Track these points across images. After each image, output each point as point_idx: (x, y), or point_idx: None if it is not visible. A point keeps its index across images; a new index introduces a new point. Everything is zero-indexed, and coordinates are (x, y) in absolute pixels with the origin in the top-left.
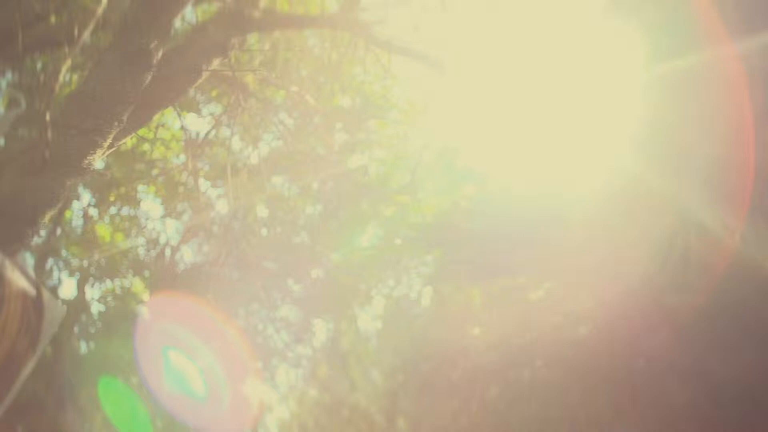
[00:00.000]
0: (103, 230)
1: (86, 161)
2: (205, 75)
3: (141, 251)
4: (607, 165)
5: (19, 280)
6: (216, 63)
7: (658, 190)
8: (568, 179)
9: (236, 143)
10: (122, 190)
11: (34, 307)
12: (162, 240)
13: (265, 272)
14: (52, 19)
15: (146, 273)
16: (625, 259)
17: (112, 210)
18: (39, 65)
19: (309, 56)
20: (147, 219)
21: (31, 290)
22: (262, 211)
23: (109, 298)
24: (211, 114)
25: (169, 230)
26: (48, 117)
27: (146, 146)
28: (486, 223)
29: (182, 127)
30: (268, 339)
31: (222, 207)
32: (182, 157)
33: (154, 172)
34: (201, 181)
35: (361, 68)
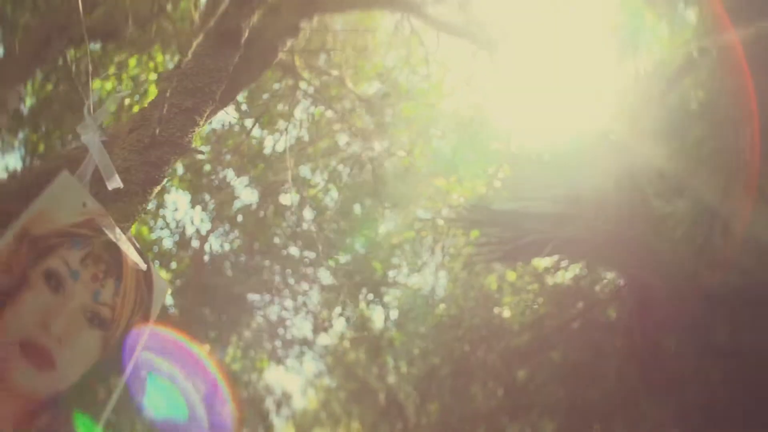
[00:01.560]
0: None
1: (186, 139)
2: (280, 56)
3: (167, 243)
4: (630, 149)
5: (133, 255)
6: (289, 45)
7: (675, 176)
8: (599, 161)
9: (272, 128)
10: None
11: (146, 281)
12: (189, 231)
13: (292, 260)
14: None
15: (173, 264)
16: (653, 239)
17: None
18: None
19: (347, 40)
20: (174, 210)
21: (143, 265)
22: (290, 199)
23: None
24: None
25: (196, 221)
26: (168, 94)
27: None
28: (520, 204)
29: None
30: (294, 326)
31: (249, 196)
32: (207, 146)
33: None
34: (229, 170)
35: (405, 51)
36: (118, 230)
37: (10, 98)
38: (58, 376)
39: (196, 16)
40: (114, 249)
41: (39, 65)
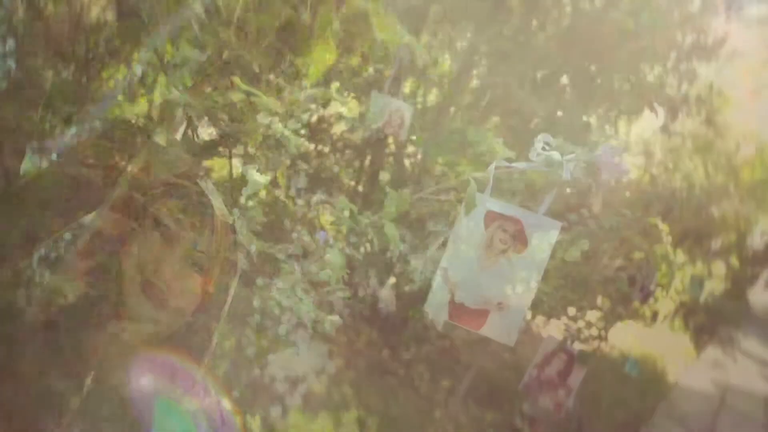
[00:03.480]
0: None
1: None
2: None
3: None
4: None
5: (221, 207)
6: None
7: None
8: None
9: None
10: None
11: (232, 233)
12: None
13: (302, 241)
14: None
15: None
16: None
17: None
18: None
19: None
20: None
21: (228, 218)
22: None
23: None
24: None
25: None
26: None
27: None
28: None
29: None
30: (303, 308)
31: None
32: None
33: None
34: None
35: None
36: (209, 183)
37: (44, 78)
38: (170, 315)
39: None
40: (206, 200)
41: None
